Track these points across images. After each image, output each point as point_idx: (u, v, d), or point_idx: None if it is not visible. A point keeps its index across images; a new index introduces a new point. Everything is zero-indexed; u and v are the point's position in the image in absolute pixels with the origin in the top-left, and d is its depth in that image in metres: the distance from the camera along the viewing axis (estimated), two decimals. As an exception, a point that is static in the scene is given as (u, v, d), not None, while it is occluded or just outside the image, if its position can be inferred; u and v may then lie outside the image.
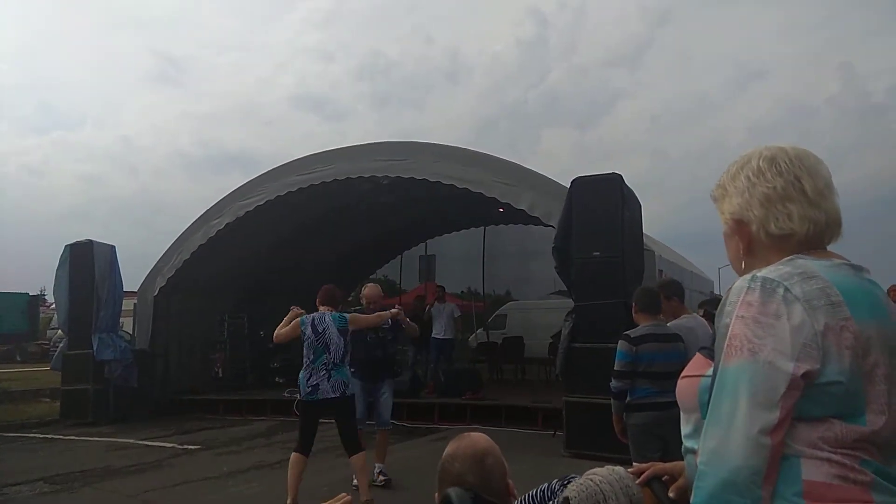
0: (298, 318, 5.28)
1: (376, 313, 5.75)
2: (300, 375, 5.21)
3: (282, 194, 10.27)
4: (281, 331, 5.32)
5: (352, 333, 5.37)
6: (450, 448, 1.69)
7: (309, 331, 5.19)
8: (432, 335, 11.08)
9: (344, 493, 1.61)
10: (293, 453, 5.14)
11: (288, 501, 4.87)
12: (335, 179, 9.88)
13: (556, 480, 1.88)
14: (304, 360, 5.21)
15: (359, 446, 5.18)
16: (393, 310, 5.81)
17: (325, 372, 5.10)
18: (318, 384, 5.09)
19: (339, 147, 10.25)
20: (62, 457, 7.61)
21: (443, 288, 12.23)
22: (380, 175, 9.61)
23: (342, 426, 5.23)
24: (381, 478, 5.91)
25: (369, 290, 6.14)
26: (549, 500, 1.83)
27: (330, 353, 5.14)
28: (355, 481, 5.64)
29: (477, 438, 1.72)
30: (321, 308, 5.37)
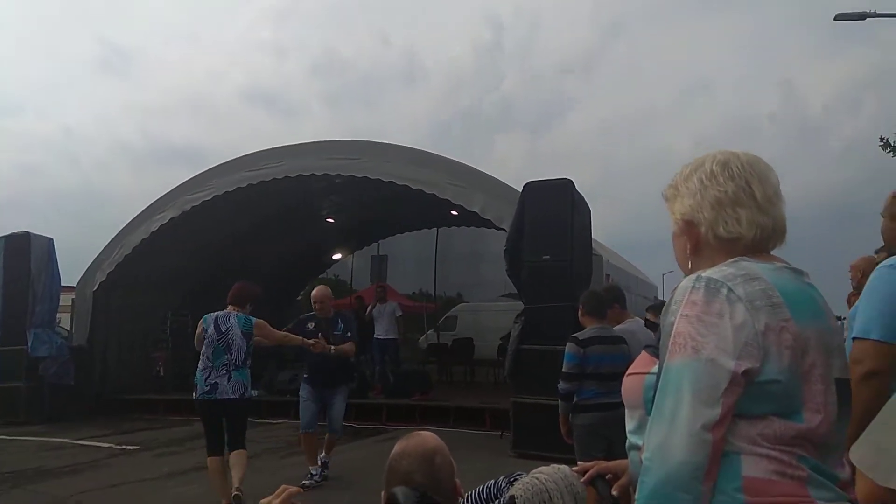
0: (202, 320, 5.20)
1: (284, 332, 5.64)
2: (197, 373, 5.06)
3: (230, 190, 10.05)
4: (195, 340, 5.23)
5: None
6: (398, 446, 1.67)
7: (211, 329, 5.07)
8: (374, 336, 10.99)
9: (284, 485, 1.59)
10: (208, 458, 5.01)
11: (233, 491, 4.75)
12: (286, 176, 9.72)
13: (502, 478, 1.89)
14: (202, 357, 5.07)
15: (241, 445, 5.06)
16: (309, 341, 5.58)
17: (225, 372, 4.98)
18: (216, 383, 4.95)
19: (291, 144, 10.11)
20: (-10, 457, 7.27)
21: (384, 288, 12.09)
22: (332, 174, 9.51)
23: (233, 425, 5.07)
24: (320, 472, 5.89)
25: (317, 291, 6.04)
26: (495, 498, 1.84)
27: (231, 355, 5.01)
28: (304, 481, 5.55)
29: (426, 437, 1.71)
30: (229, 307, 5.24)
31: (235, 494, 4.71)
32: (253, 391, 10.12)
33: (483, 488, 1.91)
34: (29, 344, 9.72)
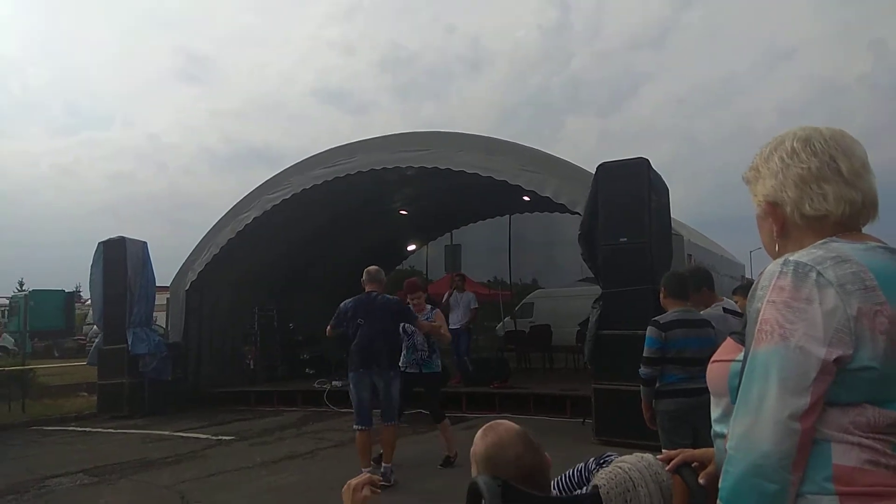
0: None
1: None
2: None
3: (307, 187, 10.35)
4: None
5: None
6: (489, 440, 1.66)
7: None
8: (449, 326, 10.95)
9: (365, 473, 1.69)
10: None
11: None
12: (359, 171, 9.91)
13: (591, 459, 1.88)
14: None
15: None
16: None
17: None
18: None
19: (363, 139, 10.27)
20: (100, 449, 7.80)
21: (462, 277, 11.99)
22: (403, 166, 9.62)
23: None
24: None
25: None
26: (587, 481, 1.84)
27: None
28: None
29: (507, 424, 1.73)
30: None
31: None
32: (336, 382, 10.44)
33: (574, 472, 1.90)
34: (129, 342, 10.32)
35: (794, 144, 1.20)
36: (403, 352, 5.96)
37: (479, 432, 1.72)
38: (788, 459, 1.02)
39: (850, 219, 1.15)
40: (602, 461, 1.86)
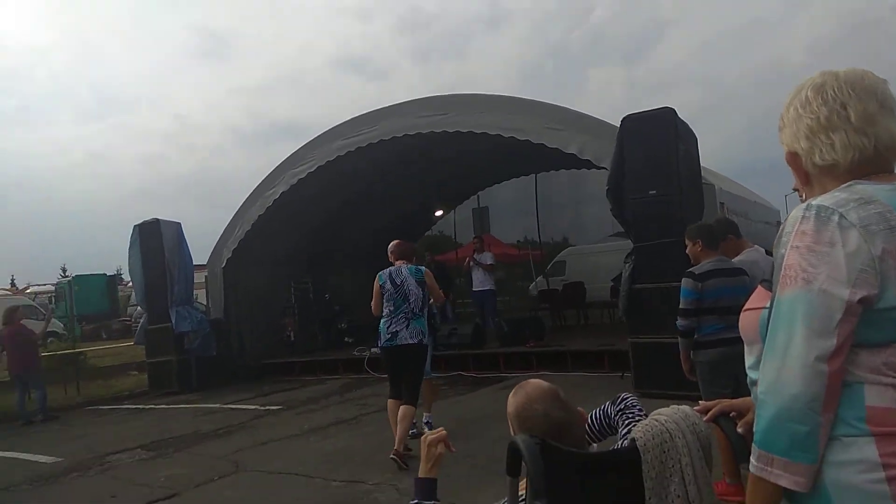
0: (377, 278, 5.43)
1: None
2: (381, 325, 5.37)
3: (331, 159, 10.40)
4: (373, 302, 5.46)
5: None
6: (519, 398, 1.70)
7: (388, 284, 5.39)
8: (472, 289, 11.14)
9: (441, 428, 1.78)
10: (388, 400, 5.40)
11: (395, 447, 5.03)
12: (381, 140, 9.93)
13: (608, 403, 1.93)
14: (385, 310, 5.37)
15: (414, 400, 5.32)
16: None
17: (405, 320, 5.31)
18: (397, 331, 5.30)
19: (383, 107, 10.24)
20: (154, 425, 8.11)
21: (480, 239, 12.12)
22: (426, 131, 9.59)
23: (410, 373, 5.39)
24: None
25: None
26: (607, 425, 1.89)
27: (409, 303, 5.34)
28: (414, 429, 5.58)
29: (538, 381, 1.77)
30: (396, 262, 5.54)
31: (393, 456, 4.98)
32: (375, 349, 10.62)
33: (593, 418, 1.94)
34: (173, 321, 10.63)
35: (808, 94, 1.20)
36: (420, 316, 5.59)
37: (511, 393, 1.77)
38: (817, 401, 1.04)
39: (867, 163, 1.15)
40: (619, 404, 1.90)
